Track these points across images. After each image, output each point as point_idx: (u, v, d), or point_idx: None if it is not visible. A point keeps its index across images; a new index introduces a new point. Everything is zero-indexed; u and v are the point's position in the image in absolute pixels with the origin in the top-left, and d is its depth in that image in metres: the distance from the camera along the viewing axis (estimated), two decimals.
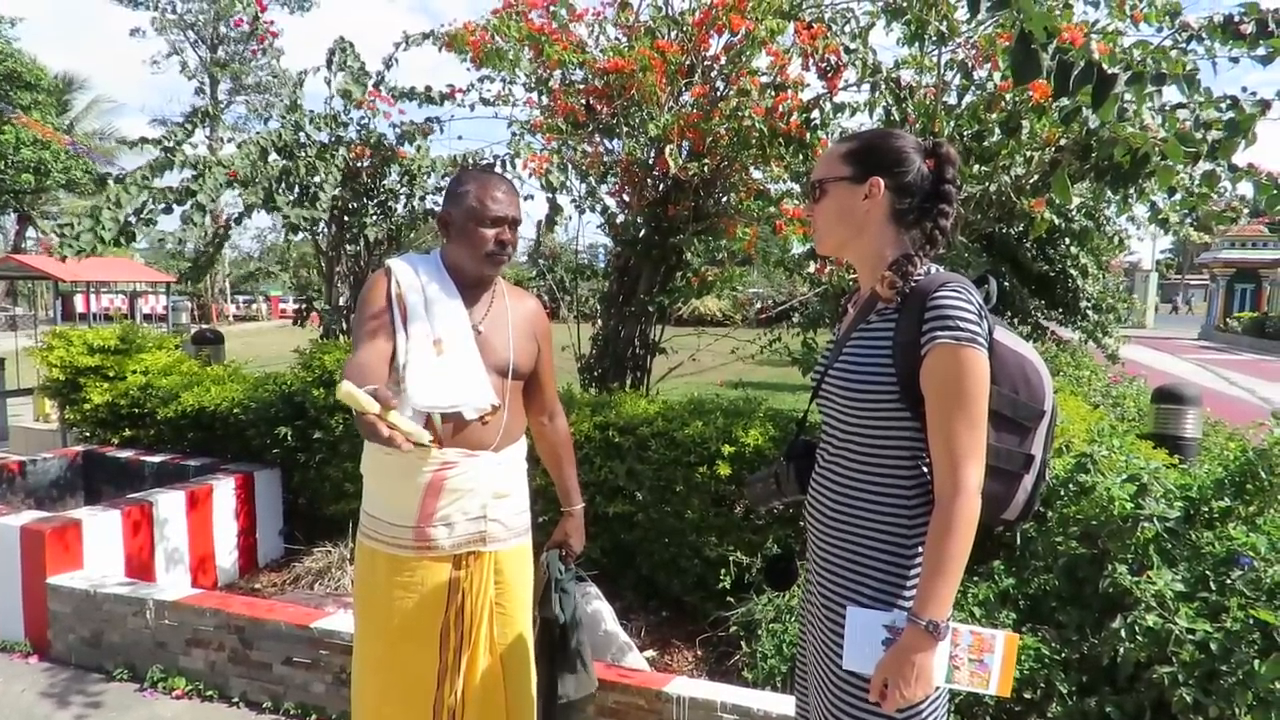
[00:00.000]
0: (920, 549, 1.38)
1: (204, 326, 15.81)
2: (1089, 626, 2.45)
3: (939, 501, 1.33)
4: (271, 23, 4.93)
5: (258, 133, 4.52)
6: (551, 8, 4.22)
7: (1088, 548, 2.57)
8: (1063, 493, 2.70)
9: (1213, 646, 2.17)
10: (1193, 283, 54.40)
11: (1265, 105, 2.62)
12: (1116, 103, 2.13)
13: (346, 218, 5.00)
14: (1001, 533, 2.78)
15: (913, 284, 1.40)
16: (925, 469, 1.40)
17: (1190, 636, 2.21)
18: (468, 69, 4.34)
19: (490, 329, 1.94)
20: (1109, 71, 2.03)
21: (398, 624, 1.90)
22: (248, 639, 3.08)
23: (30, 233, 30.59)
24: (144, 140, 4.50)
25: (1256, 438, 4.13)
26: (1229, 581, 2.29)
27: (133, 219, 3.97)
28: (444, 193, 1.99)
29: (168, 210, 4.02)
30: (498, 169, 4.59)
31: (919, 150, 1.47)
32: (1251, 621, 2.16)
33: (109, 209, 3.87)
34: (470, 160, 4.89)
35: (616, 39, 4.34)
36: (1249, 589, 2.24)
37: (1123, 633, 2.30)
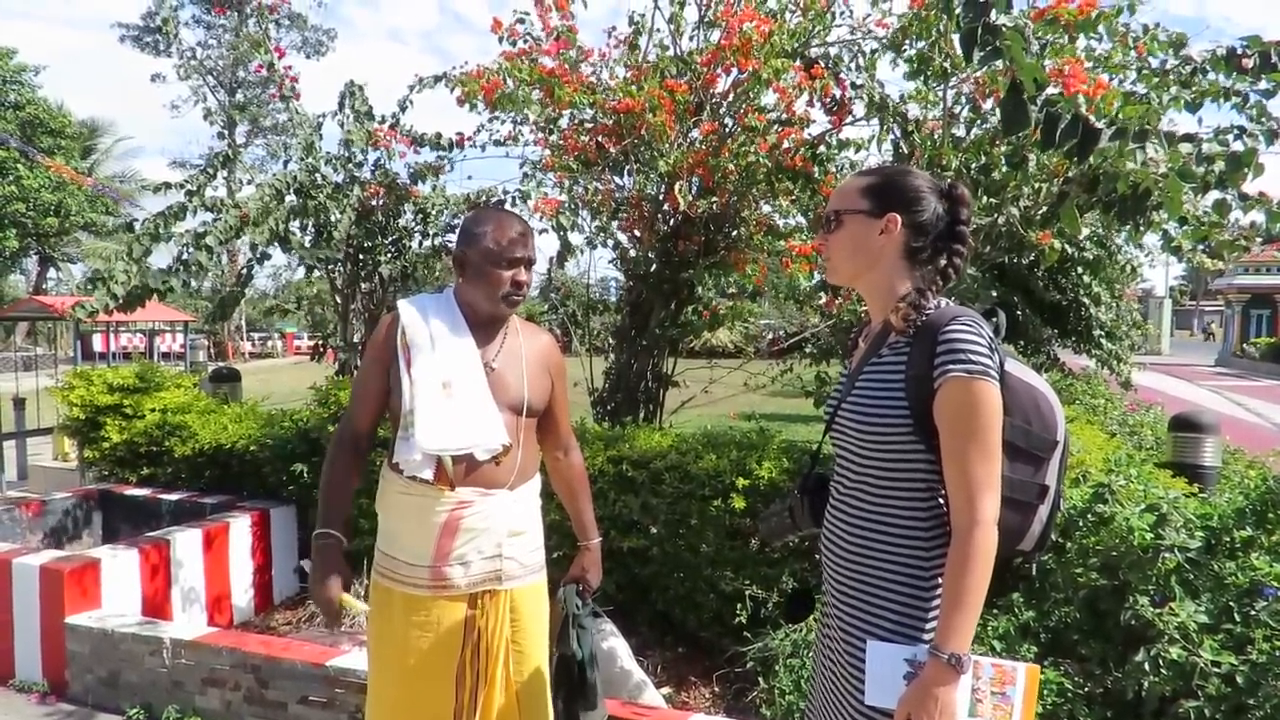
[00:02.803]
0: (939, 581, 1.38)
1: (221, 364, 15.97)
2: (1112, 659, 2.42)
3: (956, 534, 1.34)
4: (290, 68, 5.06)
5: (274, 174, 4.62)
6: (562, 51, 4.32)
7: (1108, 579, 2.54)
8: (1081, 523, 2.68)
9: (1239, 679, 2.14)
10: (1208, 309, 54.01)
11: (1274, 135, 2.64)
12: (1104, 156, 2.16)
13: (361, 256, 5.08)
14: (1020, 565, 2.75)
15: (924, 318, 1.42)
16: (941, 501, 1.40)
17: (1216, 669, 2.18)
18: (480, 111, 4.43)
19: (503, 366, 1.94)
20: (1094, 127, 2.07)
21: (413, 663, 1.90)
22: (263, 678, 3.08)
23: (51, 273, 31.11)
24: (166, 185, 4.60)
25: (1277, 465, 4.10)
26: (1253, 613, 2.26)
27: (153, 274, 4.05)
28: (459, 231, 2.02)
29: (206, 254, 4.10)
30: (508, 207, 4.65)
31: (935, 190, 1.49)
32: (1278, 653, 2.13)
33: (123, 261, 3.95)
34: (485, 198, 4.96)
35: (625, 79, 4.43)
36: (1274, 620, 2.21)
37: (1146, 666, 2.27)
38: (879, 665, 1.39)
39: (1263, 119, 2.68)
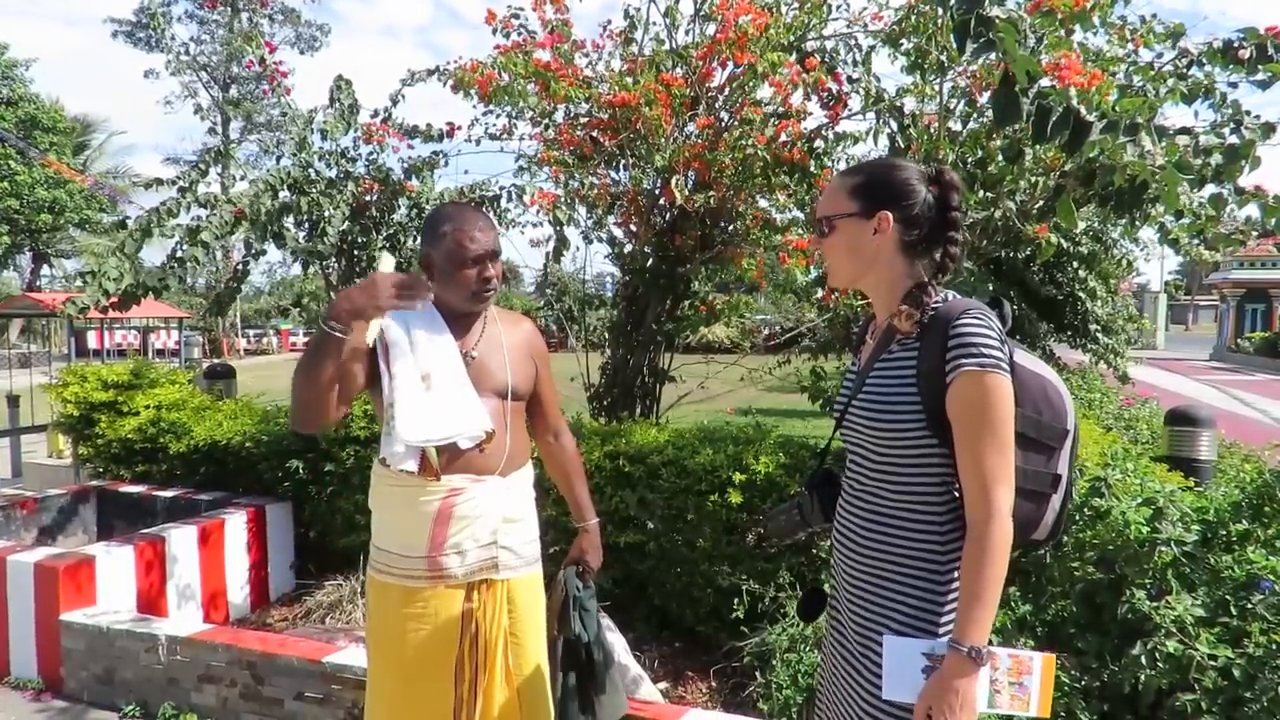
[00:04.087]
0: (955, 575, 1.38)
1: (216, 361, 15.92)
2: (1108, 653, 2.42)
3: (972, 527, 1.33)
4: (280, 63, 5.03)
5: (268, 170, 4.59)
6: (557, 45, 4.30)
7: (1105, 573, 2.54)
8: (1078, 517, 2.68)
9: (1236, 673, 2.14)
10: (1202, 303, 54.20)
11: (1270, 129, 2.64)
12: (1094, 148, 2.16)
13: (356, 251, 5.05)
14: (1017, 558, 2.75)
15: (931, 312, 1.41)
16: (957, 495, 1.40)
17: (1212, 663, 2.18)
18: (474, 105, 4.41)
19: (484, 353, 1.96)
20: (1086, 119, 2.06)
21: (412, 656, 1.89)
22: (259, 674, 3.07)
23: (45, 270, 30.98)
24: (158, 181, 4.57)
25: (1273, 459, 4.10)
26: (1250, 606, 2.26)
27: (146, 273, 4.02)
28: (423, 230, 2.00)
29: (202, 250, 4.08)
30: (504, 202, 4.63)
31: (923, 179, 1.48)
32: (1275, 646, 2.13)
33: (116, 257, 3.93)
34: (479, 193, 4.94)
35: (620, 72, 4.41)
36: (1271, 613, 2.21)
37: (1143, 659, 2.27)
38: (896, 660, 1.38)
39: (1241, 117, 2.67)
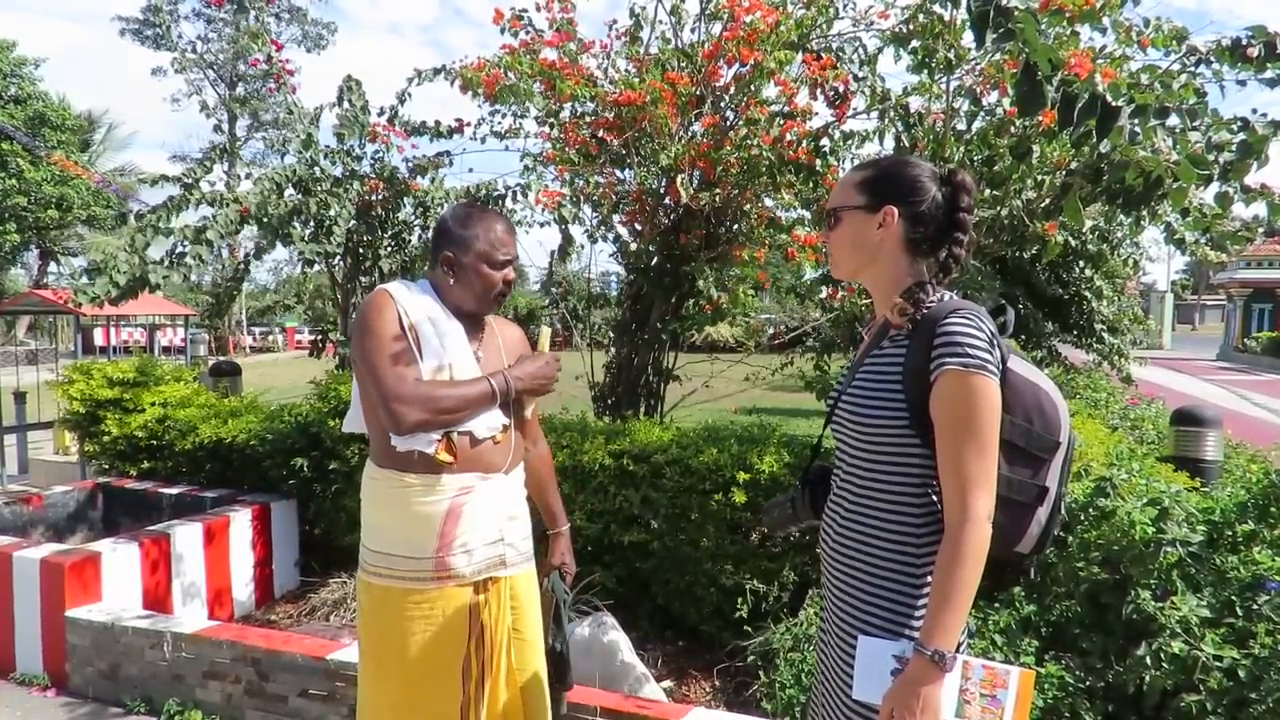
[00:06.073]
0: (930, 577, 1.37)
1: (221, 358, 15.97)
2: (1113, 654, 2.42)
3: (947, 530, 1.32)
4: (287, 61, 5.03)
5: (273, 168, 4.60)
6: (563, 44, 4.31)
7: (1110, 573, 2.53)
8: (1083, 517, 2.67)
9: (1241, 673, 2.13)
10: (1209, 303, 54.01)
11: (1277, 126, 2.62)
12: (1122, 134, 2.14)
13: (361, 250, 5.06)
14: (1020, 561, 2.75)
15: (925, 311, 1.40)
16: (935, 497, 1.39)
17: (1217, 663, 2.17)
18: (480, 105, 4.42)
19: (487, 355, 2.00)
20: (1113, 104, 2.05)
21: (417, 659, 1.88)
22: (264, 671, 3.08)
23: (52, 267, 31.07)
24: (164, 178, 4.59)
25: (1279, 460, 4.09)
26: (1255, 607, 2.25)
27: (152, 266, 4.03)
28: (441, 232, 1.98)
29: (207, 248, 4.09)
30: (509, 201, 4.64)
31: (934, 179, 1.47)
32: None
33: (124, 253, 3.95)
34: (484, 191, 4.94)
35: (626, 71, 4.42)
36: (1276, 614, 2.20)
37: (1148, 660, 2.26)
38: (868, 660, 1.38)
39: (1234, 122, 2.65)
